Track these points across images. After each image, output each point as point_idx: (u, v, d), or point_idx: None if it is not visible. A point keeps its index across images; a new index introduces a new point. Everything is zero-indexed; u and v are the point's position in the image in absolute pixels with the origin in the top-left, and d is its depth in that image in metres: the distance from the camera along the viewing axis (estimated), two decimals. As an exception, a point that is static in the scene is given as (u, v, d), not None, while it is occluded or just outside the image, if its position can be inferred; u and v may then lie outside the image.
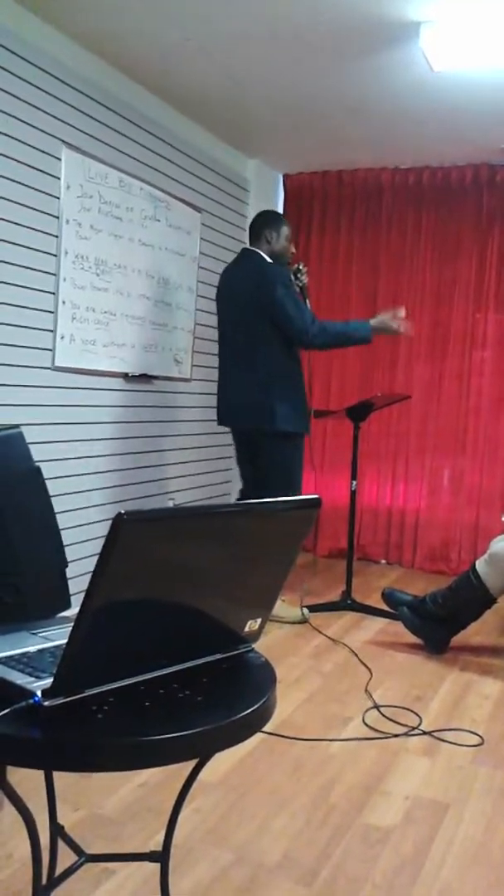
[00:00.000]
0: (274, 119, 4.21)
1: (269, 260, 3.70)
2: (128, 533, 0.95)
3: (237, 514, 1.13)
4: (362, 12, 2.98)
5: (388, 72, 3.50)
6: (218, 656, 1.24)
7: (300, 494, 3.77)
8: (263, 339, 3.62)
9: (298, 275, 3.83)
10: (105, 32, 3.28)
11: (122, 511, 0.94)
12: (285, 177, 5.24)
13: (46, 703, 1.02)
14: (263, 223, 3.77)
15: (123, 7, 3.05)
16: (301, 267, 3.85)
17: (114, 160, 3.64)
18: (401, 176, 4.93)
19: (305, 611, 3.78)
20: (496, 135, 4.22)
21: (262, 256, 3.71)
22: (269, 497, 1.22)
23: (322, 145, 4.60)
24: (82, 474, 3.60)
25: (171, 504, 4.30)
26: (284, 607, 3.70)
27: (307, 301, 3.81)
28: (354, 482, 4.03)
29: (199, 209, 4.38)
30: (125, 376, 3.85)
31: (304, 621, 3.74)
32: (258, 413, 3.64)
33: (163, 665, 1.16)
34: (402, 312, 3.74)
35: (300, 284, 3.82)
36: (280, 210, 5.23)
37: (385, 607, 3.66)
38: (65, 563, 1.93)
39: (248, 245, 3.82)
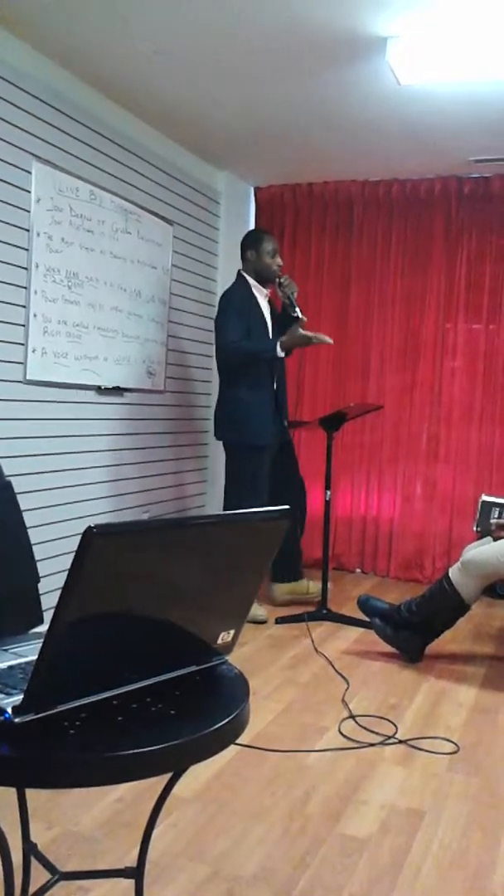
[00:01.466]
0: (244, 132, 4.23)
1: (247, 279, 4.03)
2: (98, 547, 0.95)
3: (208, 526, 1.14)
4: (330, 27, 3.02)
5: (356, 85, 3.54)
6: (191, 669, 1.24)
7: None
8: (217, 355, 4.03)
9: (282, 287, 4.04)
10: (74, 46, 3.28)
11: (92, 525, 0.94)
12: (256, 189, 5.27)
13: (17, 720, 1.01)
14: (244, 244, 4.10)
15: (93, 21, 3.06)
16: (283, 280, 3.99)
17: (84, 173, 3.64)
18: (370, 188, 4.98)
19: (264, 611, 3.92)
20: (463, 147, 4.28)
21: (238, 279, 4.07)
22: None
23: (292, 158, 4.64)
24: (54, 488, 3.58)
25: (145, 517, 4.29)
26: None
27: (296, 310, 4.01)
28: (328, 492, 4.05)
29: (171, 221, 4.39)
30: (98, 389, 3.84)
31: (262, 622, 3.85)
32: (218, 426, 4.06)
33: (135, 679, 1.15)
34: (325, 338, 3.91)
35: (287, 295, 4.03)
36: (251, 223, 5.27)
37: (360, 615, 3.67)
38: (37, 578, 1.92)
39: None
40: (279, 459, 4.13)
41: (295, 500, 4.18)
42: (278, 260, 4.07)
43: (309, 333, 3.84)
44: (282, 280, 4.03)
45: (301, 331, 3.87)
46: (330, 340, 3.90)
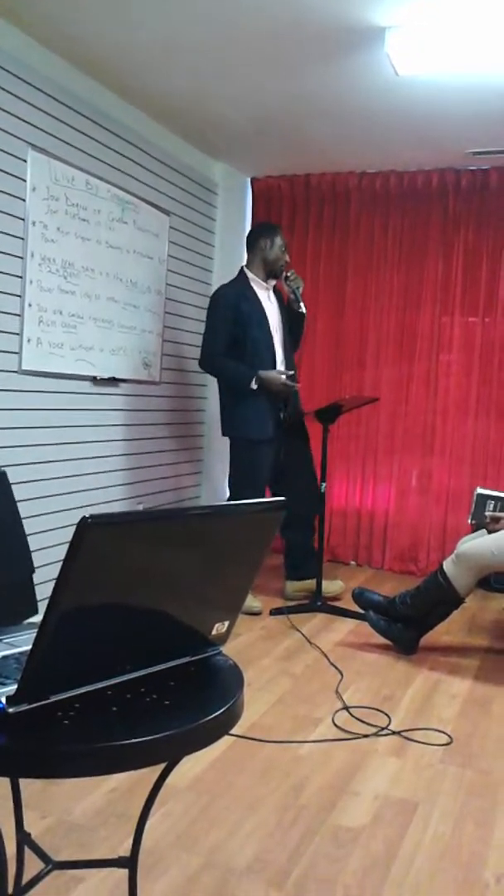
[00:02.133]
0: (240, 123, 4.22)
1: (247, 275, 4.04)
2: (92, 537, 0.94)
3: (203, 517, 1.13)
4: (328, 17, 3.00)
5: (354, 76, 3.52)
6: (185, 660, 1.24)
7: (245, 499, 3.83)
8: None
9: (288, 282, 4.09)
10: (71, 35, 3.26)
11: (87, 515, 0.94)
12: (253, 180, 5.25)
13: (11, 710, 1.01)
14: (257, 233, 4.11)
15: (89, 10, 3.04)
16: (290, 275, 4.07)
17: (80, 162, 3.62)
18: (367, 180, 4.96)
19: (258, 603, 3.91)
20: (461, 139, 4.27)
21: (238, 275, 4.08)
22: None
23: (289, 149, 4.62)
24: (49, 478, 3.58)
25: (140, 507, 4.28)
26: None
27: (300, 304, 4.08)
28: (324, 484, 4.05)
29: (167, 212, 4.37)
30: (93, 379, 3.83)
31: (257, 613, 3.86)
32: (221, 420, 4.06)
33: (129, 669, 1.15)
34: (289, 373, 3.97)
35: (293, 290, 4.08)
36: (248, 214, 5.25)
37: (355, 607, 3.68)
38: (32, 569, 1.92)
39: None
40: (292, 455, 4.09)
41: (305, 498, 4.14)
42: (287, 256, 4.11)
43: (287, 382, 3.88)
44: (288, 275, 4.08)
45: (281, 378, 3.87)
46: (296, 386, 3.98)
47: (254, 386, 3.86)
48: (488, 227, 4.73)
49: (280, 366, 4.02)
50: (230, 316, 3.92)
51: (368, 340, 5.01)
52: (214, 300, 4.02)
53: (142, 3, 2.97)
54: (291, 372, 3.95)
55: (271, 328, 4.01)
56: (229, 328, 3.93)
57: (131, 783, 2.17)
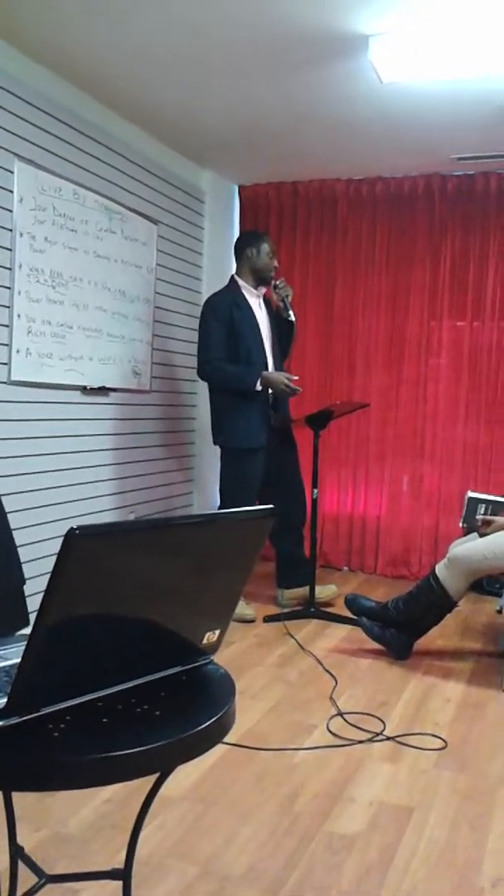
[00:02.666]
0: (227, 131, 4.23)
1: (238, 283, 4.04)
2: (80, 548, 0.94)
3: (191, 526, 1.13)
4: (312, 26, 3.01)
5: (338, 84, 3.54)
6: (176, 669, 1.24)
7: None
8: None
9: (277, 290, 4.09)
10: (57, 45, 3.27)
11: (75, 526, 0.94)
12: (240, 188, 5.26)
13: (1, 724, 1.01)
14: (243, 242, 4.11)
15: (74, 20, 3.04)
16: (279, 283, 4.06)
17: (67, 172, 3.63)
18: (354, 186, 4.98)
19: (251, 610, 3.92)
20: (446, 145, 4.29)
21: (229, 283, 4.08)
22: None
23: (275, 157, 4.63)
24: (40, 489, 3.57)
25: (131, 517, 4.28)
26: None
27: (290, 312, 4.08)
28: (315, 490, 4.05)
29: (155, 221, 4.38)
30: (83, 389, 3.83)
31: (250, 620, 3.86)
32: (212, 429, 4.05)
33: (120, 680, 1.15)
34: (294, 378, 3.94)
35: (282, 297, 4.07)
36: (236, 221, 5.27)
37: (348, 613, 3.68)
38: (22, 580, 1.91)
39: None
40: (280, 463, 4.09)
41: (294, 506, 4.15)
42: (275, 262, 4.10)
43: (290, 385, 3.86)
44: (277, 283, 4.07)
45: (285, 380, 3.86)
46: (299, 390, 3.95)
47: (258, 387, 3.86)
48: (475, 231, 4.76)
49: (271, 370, 4.03)
50: (223, 323, 3.92)
51: (357, 346, 5.03)
52: (207, 309, 4.01)
53: (127, 14, 2.98)
54: (296, 377, 3.93)
55: (262, 336, 4.02)
56: (224, 335, 3.92)
57: (126, 794, 2.17)
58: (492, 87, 3.45)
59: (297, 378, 3.93)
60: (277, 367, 4.07)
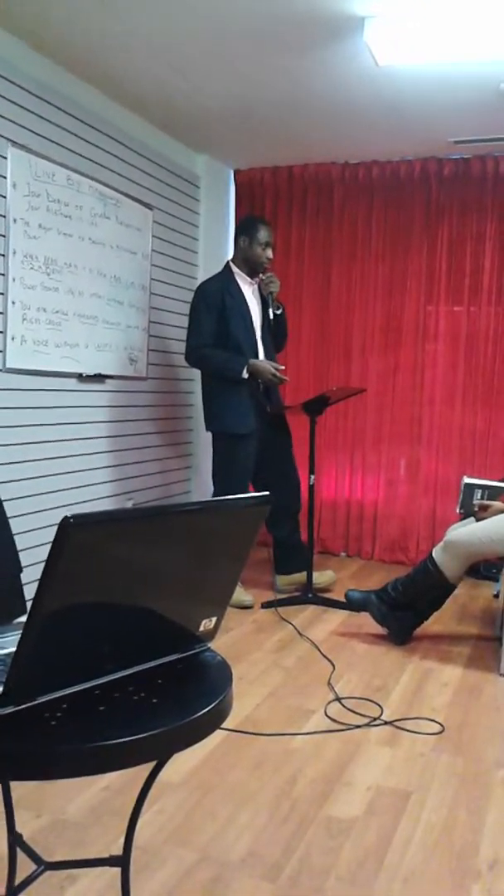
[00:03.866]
0: (221, 115, 4.19)
1: (233, 269, 4.01)
2: (75, 536, 0.94)
3: (186, 513, 1.13)
4: (306, 8, 2.98)
5: (334, 67, 3.51)
6: (173, 657, 1.24)
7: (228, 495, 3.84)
8: None
9: (263, 283, 4.04)
10: (49, 29, 3.23)
11: (69, 515, 0.93)
12: (236, 172, 5.23)
13: (-3, 713, 1.01)
14: (237, 229, 4.06)
15: (66, 2, 3.01)
16: (265, 277, 3.99)
17: (61, 158, 3.60)
18: (350, 170, 4.95)
19: (250, 597, 3.91)
20: (442, 128, 4.26)
21: (223, 269, 4.06)
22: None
23: (271, 140, 4.60)
24: (37, 477, 3.56)
25: (130, 504, 4.27)
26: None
27: (270, 309, 4.04)
28: (312, 476, 4.05)
29: (151, 206, 4.35)
30: (79, 377, 3.82)
31: (248, 607, 3.86)
32: (204, 415, 4.05)
33: (117, 668, 1.15)
34: (281, 367, 3.95)
35: (268, 292, 4.03)
36: (231, 206, 5.23)
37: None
38: (19, 568, 1.91)
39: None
40: (275, 450, 4.09)
41: (289, 493, 4.15)
42: (269, 252, 4.00)
43: (277, 374, 3.86)
44: (263, 277, 4.01)
45: (272, 369, 3.86)
46: (286, 380, 3.95)
47: (245, 374, 3.85)
48: (471, 215, 4.74)
49: (260, 357, 4.01)
50: (214, 310, 3.90)
51: (354, 331, 5.01)
52: (198, 295, 3.99)
53: (119, -4, 2.95)
54: (282, 367, 3.93)
55: (254, 324, 4.00)
56: (213, 322, 3.91)
57: (125, 780, 2.17)
58: (488, 69, 3.43)
59: (283, 368, 3.92)
60: (268, 356, 4.05)
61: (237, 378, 3.85)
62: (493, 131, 4.27)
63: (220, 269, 4.14)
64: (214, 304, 3.90)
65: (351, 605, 3.59)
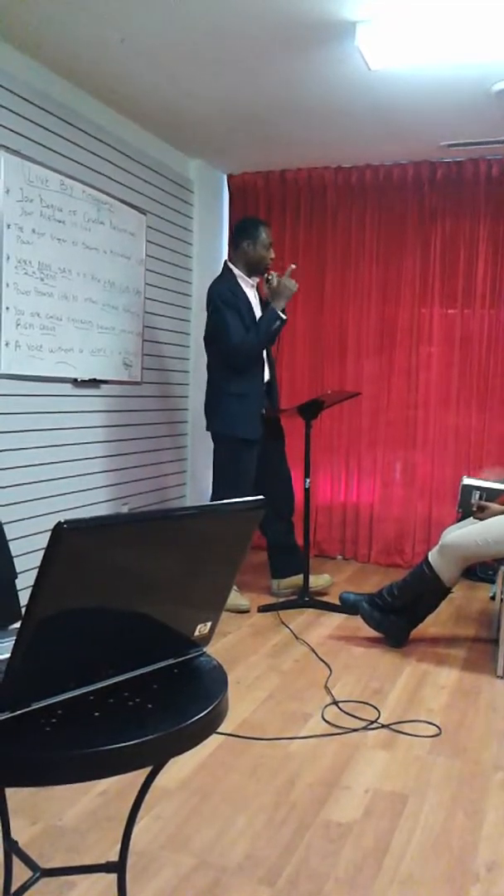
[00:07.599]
0: (214, 119, 4.20)
1: (233, 270, 3.99)
2: (68, 542, 0.94)
3: (180, 518, 1.13)
4: (299, 12, 2.99)
5: (326, 71, 3.52)
6: (168, 662, 1.23)
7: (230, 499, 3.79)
8: (208, 349, 4.02)
9: (269, 283, 4.03)
10: (42, 35, 3.23)
11: (62, 520, 0.93)
12: (229, 177, 5.24)
13: (-8, 719, 1.00)
14: (240, 232, 4.03)
15: (59, 8, 3.01)
16: (270, 277, 4.01)
17: (55, 163, 3.60)
18: (343, 174, 4.96)
19: (246, 601, 3.90)
20: (435, 132, 4.27)
21: (224, 270, 4.04)
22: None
23: (263, 145, 4.61)
24: (32, 483, 3.56)
25: (125, 509, 4.27)
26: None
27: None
28: (308, 479, 4.05)
29: (144, 211, 4.35)
30: (74, 381, 3.81)
31: (245, 611, 3.85)
32: (208, 417, 4.01)
33: (112, 674, 1.15)
34: (291, 268, 3.98)
35: (287, 293, 3.99)
36: (225, 210, 5.24)
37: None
38: (14, 574, 1.90)
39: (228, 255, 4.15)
40: (269, 453, 4.08)
41: (283, 496, 4.14)
42: (272, 253, 4.03)
43: (286, 282, 3.89)
44: (269, 277, 4.01)
45: (289, 285, 3.90)
46: (294, 280, 3.95)
47: (284, 316, 3.90)
48: (464, 218, 4.75)
49: (265, 360, 4.02)
50: (232, 307, 3.88)
51: (348, 334, 5.02)
52: (214, 297, 3.92)
53: (113, 3, 2.95)
54: (293, 266, 4.02)
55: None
56: (239, 317, 3.88)
57: (121, 786, 2.17)
58: (480, 72, 3.44)
59: (295, 267, 4.01)
60: (268, 356, 4.06)
61: (283, 322, 3.89)
62: (486, 134, 4.28)
63: (213, 273, 4.14)
64: (231, 301, 3.89)
65: (345, 607, 3.59)
